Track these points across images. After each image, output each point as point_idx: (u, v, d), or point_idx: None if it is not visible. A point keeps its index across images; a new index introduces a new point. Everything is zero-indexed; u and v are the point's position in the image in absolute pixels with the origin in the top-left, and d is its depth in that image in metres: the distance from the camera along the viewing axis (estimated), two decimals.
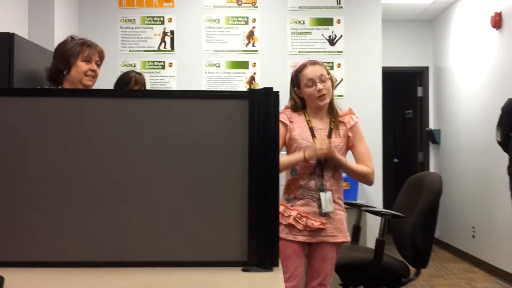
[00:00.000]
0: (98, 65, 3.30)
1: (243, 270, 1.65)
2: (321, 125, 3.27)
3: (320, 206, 3.17)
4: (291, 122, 3.26)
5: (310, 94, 3.23)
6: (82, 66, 3.20)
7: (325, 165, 3.21)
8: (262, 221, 1.66)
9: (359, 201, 5.67)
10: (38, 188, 1.68)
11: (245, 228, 1.67)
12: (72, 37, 3.30)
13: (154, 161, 1.69)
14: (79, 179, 1.68)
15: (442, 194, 3.77)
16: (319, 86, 3.19)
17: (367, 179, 3.34)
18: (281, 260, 3.07)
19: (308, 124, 3.25)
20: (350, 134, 3.28)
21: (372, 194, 5.90)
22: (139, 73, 4.27)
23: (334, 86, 3.32)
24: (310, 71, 3.23)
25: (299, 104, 3.31)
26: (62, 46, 3.26)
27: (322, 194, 3.18)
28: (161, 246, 1.69)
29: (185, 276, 1.63)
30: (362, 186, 5.84)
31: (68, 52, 3.21)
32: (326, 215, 3.18)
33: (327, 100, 3.25)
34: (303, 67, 3.27)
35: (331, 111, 3.31)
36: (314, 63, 3.27)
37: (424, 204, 3.72)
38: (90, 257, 1.68)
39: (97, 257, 1.68)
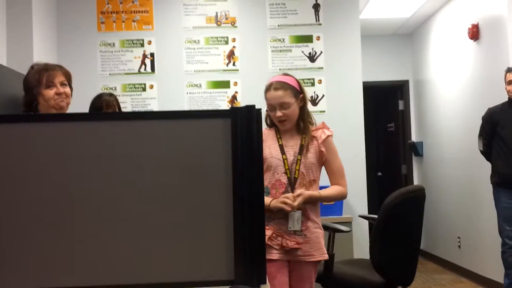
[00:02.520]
0: (66, 84, 3.20)
1: None
2: (291, 142, 3.23)
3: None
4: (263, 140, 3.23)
5: (271, 116, 3.23)
6: (46, 93, 3.13)
7: (295, 184, 3.17)
8: (248, 238, 1.65)
9: (344, 215, 5.70)
10: (17, 215, 1.66)
11: (231, 246, 1.66)
12: (32, 67, 3.25)
13: (136, 183, 1.68)
14: (58, 205, 1.67)
15: (423, 206, 3.78)
16: (278, 113, 3.16)
17: (342, 198, 3.38)
18: (267, 279, 3.07)
19: (278, 142, 3.22)
20: (322, 149, 3.23)
21: (357, 208, 5.91)
22: (110, 94, 4.27)
23: (306, 104, 3.27)
24: (272, 97, 3.19)
25: (270, 120, 3.30)
26: (25, 79, 3.21)
27: (290, 213, 3.12)
28: (145, 268, 1.67)
29: None
30: (346, 201, 5.85)
31: (30, 84, 3.16)
32: (296, 233, 3.14)
33: (287, 126, 3.22)
34: (268, 88, 3.23)
35: (302, 127, 3.25)
36: (277, 88, 3.19)
37: (378, 219, 3.71)
38: (69, 282, 1.66)
39: (77, 282, 1.66)
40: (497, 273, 5.89)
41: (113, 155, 1.69)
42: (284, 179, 3.17)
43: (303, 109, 3.25)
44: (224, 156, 1.69)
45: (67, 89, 3.21)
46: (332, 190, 3.27)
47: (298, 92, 3.23)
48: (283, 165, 3.18)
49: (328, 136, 3.26)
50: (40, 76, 3.15)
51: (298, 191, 3.11)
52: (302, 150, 3.20)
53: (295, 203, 3.06)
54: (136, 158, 1.69)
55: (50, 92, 3.13)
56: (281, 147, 3.20)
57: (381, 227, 3.66)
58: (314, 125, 3.31)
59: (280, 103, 3.16)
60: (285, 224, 3.14)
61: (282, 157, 3.18)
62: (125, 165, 1.69)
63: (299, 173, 3.18)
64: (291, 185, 3.16)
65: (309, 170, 3.20)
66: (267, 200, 3.12)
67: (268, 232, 3.14)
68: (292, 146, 3.22)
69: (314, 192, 3.18)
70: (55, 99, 3.13)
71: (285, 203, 3.06)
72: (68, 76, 3.25)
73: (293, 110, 3.20)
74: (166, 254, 1.68)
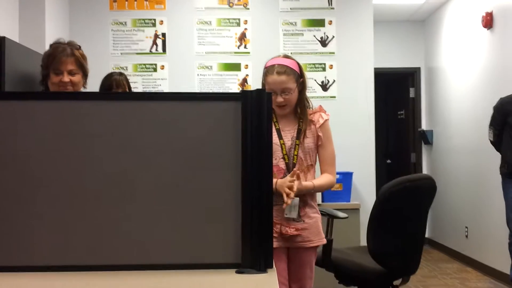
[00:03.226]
0: (75, 73, 3.14)
1: (237, 272, 1.64)
2: (288, 126, 3.15)
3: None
4: None
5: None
6: (53, 78, 3.11)
7: (294, 169, 3.08)
8: (256, 222, 1.65)
9: (352, 201, 5.70)
10: (30, 192, 1.66)
11: (238, 230, 1.66)
12: (51, 45, 3.23)
13: (146, 164, 1.68)
14: (71, 183, 1.67)
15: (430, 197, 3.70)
16: (279, 99, 3.06)
17: (331, 187, 3.31)
18: None
19: (275, 126, 3.12)
20: (320, 133, 3.16)
21: (365, 196, 5.90)
22: (120, 73, 4.26)
23: (305, 88, 3.18)
24: (274, 81, 3.08)
25: None
26: (42, 56, 3.22)
27: None
28: (154, 249, 1.68)
29: (179, 279, 1.62)
30: (355, 188, 5.85)
31: (42, 64, 3.17)
32: (295, 220, 3.09)
33: (286, 111, 3.14)
34: (270, 71, 3.12)
35: (299, 111, 3.17)
36: (280, 72, 3.08)
37: (373, 207, 3.65)
38: (83, 260, 1.67)
39: (90, 261, 1.67)
40: (504, 264, 5.88)
41: (122, 135, 1.69)
42: (282, 165, 3.10)
43: (301, 93, 3.16)
44: (234, 140, 1.68)
45: (75, 78, 3.14)
46: (324, 179, 3.19)
47: (299, 77, 3.14)
48: (280, 150, 3.10)
49: (326, 120, 3.19)
50: (49, 60, 3.13)
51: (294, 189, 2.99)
52: (300, 134, 3.13)
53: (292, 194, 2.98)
54: (145, 139, 1.69)
55: (56, 79, 3.11)
56: (278, 132, 3.13)
57: (375, 215, 3.59)
58: (311, 108, 3.24)
59: (283, 88, 3.07)
60: (283, 211, 3.08)
61: (280, 142, 3.11)
62: (134, 146, 1.69)
63: (298, 158, 3.11)
64: (289, 170, 3.07)
65: (307, 155, 3.14)
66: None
67: None
68: (289, 130, 3.14)
69: (308, 183, 3.10)
70: (59, 86, 3.10)
71: (288, 194, 2.95)
72: (79, 62, 3.17)
73: (294, 95, 3.12)
74: (174, 236, 1.68)
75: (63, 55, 3.13)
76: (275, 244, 3.08)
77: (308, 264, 3.20)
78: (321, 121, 3.17)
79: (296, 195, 3.02)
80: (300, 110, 3.18)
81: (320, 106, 3.26)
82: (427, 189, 3.71)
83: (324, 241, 3.25)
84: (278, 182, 3.01)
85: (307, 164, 3.16)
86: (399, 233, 3.63)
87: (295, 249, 3.16)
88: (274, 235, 3.05)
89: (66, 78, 3.11)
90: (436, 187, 3.75)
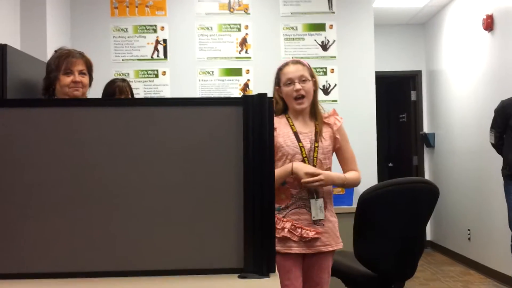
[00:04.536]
0: (85, 74, 3.22)
1: (240, 277, 1.64)
2: (305, 129, 3.16)
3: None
4: (275, 128, 3.11)
5: (288, 93, 3.13)
6: (63, 79, 3.14)
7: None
8: (258, 227, 1.65)
9: (355, 205, 5.68)
10: (31, 198, 1.67)
11: (241, 235, 1.67)
12: (56, 51, 3.27)
13: (148, 169, 1.69)
14: (73, 188, 1.68)
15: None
16: (297, 86, 3.09)
17: (358, 183, 3.29)
18: (282, 273, 3.04)
19: (292, 129, 3.14)
20: (337, 136, 3.19)
21: None
22: (123, 80, 4.27)
23: (317, 89, 3.22)
24: (290, 70, 3.14)
25: (281, 105, 3.19)
26: (48, 62, 3.24)
27: (312, 201, 3.07)
28: (157, 255, 1.68)
29: (181, 285, 1.62)
30: (357, 191, 5.83)
31: (49, 68, 3.19)
32: (315, 223, 3.08)
33: (305, 105, 3.14)
34: (284, 65, 3.19)
35: (314, 114, 3.20)
36: (296, 62, 3.19)
37: (355, 213, 3.60)
38: (84, 267, 1.67)
39: (91, 267, 1.67)
40: (507, 266, 5.88)
41: (125, 141, 1.70)
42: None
43: (315, 93, 3.21)
44: (236, 144, 1.69)
45: (85, 79, 3.21)
46: (353, 174, 3.22)
47: (312, 75, 3.20)
48: (300, 153, 3.09)
49: (341, 123, 3.24)
50: (60, 61, 3.16)
51: (321, 176, 3.02)
52: (317, 137, 3.14)
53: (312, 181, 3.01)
54: (148, 144, 1.69)
55: (67, 79, 3.15)
56: (296, 135, 3.13)
57: (357, 221, 3.55)
58: (324, 112, 3.27)
59: (300, 75, 3.11)
60: (303, 214, 3.08)
61: (299, 144, 3.10)
62: (136, 152, 1.69)
63: (317, 161, 3.11)
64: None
65: (326, 157, 3.15)
66: (287, 167, 3.05)
67: (287, 225, 3.07)
68: (307, 133, 3.15)
69: (340, 174, 3.14)
70: (70, 87, 3.14)
71: (314, 181, 2.99)
72: (88, 65, 3.26)
73: (310, 88, 3.15)
74: (176, 242, 1.68)
75: (73, 56, 3.20)
76: (296, 249, 3.08)
77: (326, 269, 3.18)
78: (338, 124, 3.21)
79: (325, 188, 3.09)
80: (315, 110, 3.20)
81: (334, 110, 3.29)
82: (420, 192, 3.62)
83: (341, 245, 3.22)
84: (295, 164, 3.04)
85: (326, 167, 3.15)
86: (384, 237, 3.56)
87: (313, 255, 3.12)
88: (294, 239, 3.06)
89: (78, 77, 3.17)
90: (434, 190, 3.63)
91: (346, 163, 3.25)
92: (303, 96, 3.12)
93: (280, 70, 3.20)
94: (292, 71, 3.14)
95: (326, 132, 3.18)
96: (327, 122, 3.21)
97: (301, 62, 3.20)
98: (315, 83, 3.20)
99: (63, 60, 3.17)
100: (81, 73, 3.19)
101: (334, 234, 3.17)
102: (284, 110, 3.22)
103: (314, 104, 3.20)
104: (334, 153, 3.27)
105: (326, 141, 3.16)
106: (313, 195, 3.09)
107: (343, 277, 3.81)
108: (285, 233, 3.06)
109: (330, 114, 3.25)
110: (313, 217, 3.08)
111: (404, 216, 3.56)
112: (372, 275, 3.63)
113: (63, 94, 3.15)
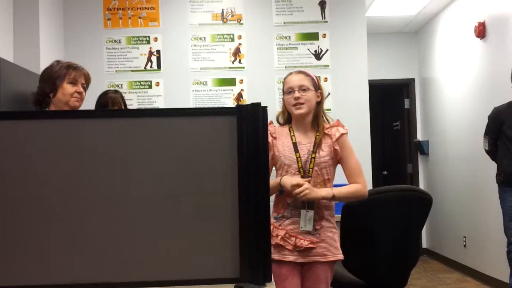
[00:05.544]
0: (85, 88, 3.30)
1: (236, 287, 1.64)
2: (305, 140, 3.17)
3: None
4: (275, 138, 3.16)
5: (287, 101, 3.18)
6: (68, 88, 3.20)
7: (311, 182, 3.08)
8: (254, 236, 1.65)
9: None
10: (29, 211, 1.66)
11: (236, 244, 1.66)
12: (58, 61, 3.31)
13: (142, 181, 1.68)
14: (69, 200, 1.67)
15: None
16: (296, 94, 3.13)
17: (360, 197, 3.18)
18: (278, 281, 3.04)
19: (292, 140, 3.16)
20: (336, 147, 3.16)
21: None
22: (115, 91, 4.29)
23: (322, 101, 3.25)
24: (292, 79, 3.20)
25: (286, 114, 3.25)
26: (49, 69, 3.27)
27: (302, 212, 3.07)
28: (151, 265, 1.68)
29: None
30: None
31: (55, 75, 3.21)
32: (310, 232, 3.08)
33: (303, 110, 3.14)
34: (288, 74, 3.26)
35: (316, 125, 3.21)
36: (299, 72, 3.25)
37: (340, 222, 3.56)
38: (79, 279, 1.66)
39: (87, 279, 1.66)
40: (503, 273, 5.88)
41: (118, 152, 1.69)
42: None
43: (319, 105, 3.23)
44: (230, 154, 1.69)
45: (84, 93, 3.30)
46: (347, 187, 3.15)
47: (316, 87, 3.23)
48: (296, 164, 3.11)
49: (343, 134, 3.19)
50: (68, 71, 3.23)
51: (305, 185, 3.01)
52: (316, 148, 3.14)
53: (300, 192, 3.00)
54: (142, 155, 1.69)
55: (72, 89, 3.21)
56: (295, 145, 3.14)
57: (342, 230, 3.53)
58: (328, 122, 3.26)
59: (300, 85, 3.16)
60: (298, 223, 3.09)
61: (296, 155, 3.11)
62: (130, 163, 1.69)
63: (313, 172, 3.11)
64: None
65: (323, 169, 3.13)
66: (275, 180, 3.08)
67: (281, 232, 3.09)
68: (306, 144, 3.15)
69: (327, 189, 3.09)
70: (73, 96, 3.21)
71: (299, 192, 2.99)
72: (88, 82, 3.35)
73: (311, 97, 3.17)
74: (171, 252, 1.68)
75: (81, 68, 3.31)
76: (290, 257, 3.09)
77: (324, 280, 3.14)
78: (337, 135, 3.18)
79: (315, 205, 3.08)
80: (317, 123, 3.21)
81: (338, 120, 3.28)
82: (410, 200, 3.60)
83: (341, 256, 3.18)
84: (284, 177, 3.08)
85: (323, 178, 3.14)
86: (370, 245, 3.54)
87: (310, 264, 3.12)
88: (288, 247, 3.08)
89: (82, 89, 3.26)
90: (426, 198, 3.64)
91: (349, 175, 3.20)
92: (302, 103, 3.16)
93: (284, 79, 3.28)
94: (293, 80, 3.20)
95: (325, 144, 3.17)
96: (328, 133, 3.20)
97: (305, 72, 3.25)
98: (320, 94, 3.24)
99: (72, 70, 3.24)
100: (82, 86, 3.27)
101: (333, 245, 3.15)
102: (290, 121, 3.26)
103: (317, 115, 3.22)
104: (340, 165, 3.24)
105: (324, 152, 3.15)
106: (304, 206, 3.10)
107: (334, 285, 3.81)
108: (278, 240, 3.08)
109: (332, 125, 3.24)
110: (301, 227, 3.09)
111: (391, 224, 3.55)
112: (361, 283, 3.62)
113: (64, 102, 3.18)
